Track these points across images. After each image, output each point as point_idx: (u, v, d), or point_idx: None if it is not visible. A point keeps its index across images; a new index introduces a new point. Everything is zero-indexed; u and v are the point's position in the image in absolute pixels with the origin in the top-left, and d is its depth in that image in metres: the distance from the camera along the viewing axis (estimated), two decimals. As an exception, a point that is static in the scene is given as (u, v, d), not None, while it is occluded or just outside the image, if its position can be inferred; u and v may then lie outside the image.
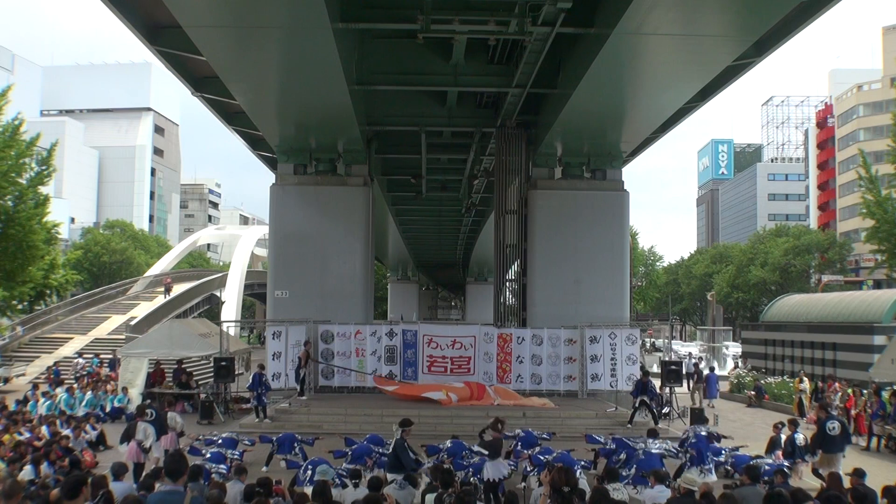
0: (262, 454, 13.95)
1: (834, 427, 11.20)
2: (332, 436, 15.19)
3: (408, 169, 29.37)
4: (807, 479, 12.14)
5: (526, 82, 18.83)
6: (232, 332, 26.80)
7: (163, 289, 43.95)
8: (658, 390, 19.37)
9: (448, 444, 11.80)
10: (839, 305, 30.47)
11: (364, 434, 13.17)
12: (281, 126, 22.25)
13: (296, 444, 13.12)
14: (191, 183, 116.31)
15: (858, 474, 9.39)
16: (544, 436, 13.15)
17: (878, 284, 53.29)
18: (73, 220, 78.53)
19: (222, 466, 11.29)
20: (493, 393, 19.85)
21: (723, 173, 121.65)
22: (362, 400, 20.07)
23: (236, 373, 22.60)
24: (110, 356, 28.07)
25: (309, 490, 8.11)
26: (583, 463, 11.70)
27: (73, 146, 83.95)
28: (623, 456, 11.51)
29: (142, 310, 38.48)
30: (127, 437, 12.08)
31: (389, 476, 10.03)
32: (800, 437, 13.36)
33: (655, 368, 25.60)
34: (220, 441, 13.05)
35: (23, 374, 29.81)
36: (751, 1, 13.34)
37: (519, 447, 12.29)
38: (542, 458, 11.08)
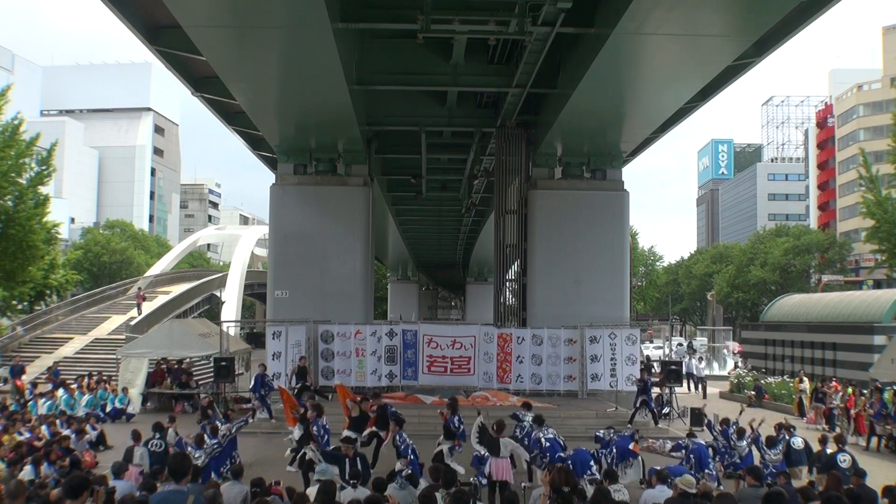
0: (262, 454, 13.93)
1: (845, 460, 11.28)
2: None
3: (408, 169, 29.36)
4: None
5: (526, 82, 18.82)
6: (232, 332, 26.79)
7: (135, 304, 38.81)
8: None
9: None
10: (839, 305, 30.49)
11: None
12: (281, 126, 22.25)
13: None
14: (191, 183, 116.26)
15: (859, 474, 9.41)
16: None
17: (878, 284, 53.32)
18: (73, 220, 78.51)
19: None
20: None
21: (723, 173, 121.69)
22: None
23: (236, 373, 22.61)
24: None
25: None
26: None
27: (73, 146, 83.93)
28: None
29: (142, 309, 38.42)
30: (126, 459, 11.80)
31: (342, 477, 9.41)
32: (798, 441, 13.38)
33: (655, 368, 25.59)
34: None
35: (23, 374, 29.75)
36: (751, 1, 13.34)
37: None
38: (561, 454, 11.01)
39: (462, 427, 12.29)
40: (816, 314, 31.25)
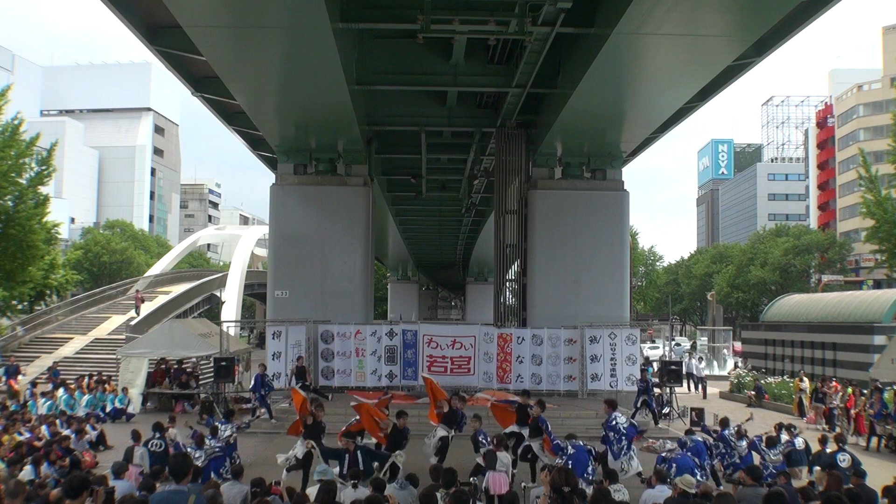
0: (262, 454, 13.91)
1: (845, 460, 11.28)
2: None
3: (408, 169, 29.35)
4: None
5: (526, 82, 18.82)
6: (232, 332, 26.79)
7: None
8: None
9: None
10: (839, 305, 30.49)
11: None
12: (281, 126, 22.24)
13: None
14: (191, 183, 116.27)
15: (859, 474, 9.42)
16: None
17: (878, 284, 53.37)
18: (73, 220, 78.51)
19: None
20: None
21: (723, 173, 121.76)
22: (362, 400, 20.05)
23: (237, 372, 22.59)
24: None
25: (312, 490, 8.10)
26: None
27: (73, 146, 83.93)
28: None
29: (142, 310, 38.44)
30: (126, 459, 11.69)
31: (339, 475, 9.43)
32: (799, 442, 13.38)
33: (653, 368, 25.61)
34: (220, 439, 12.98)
35: (23, 374, 29.76)
36: (751, 1, 13.34)
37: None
38: (558, 441, 11.11)
39: (465, 420, 12.43)
40: (816, 314, 31.25)
